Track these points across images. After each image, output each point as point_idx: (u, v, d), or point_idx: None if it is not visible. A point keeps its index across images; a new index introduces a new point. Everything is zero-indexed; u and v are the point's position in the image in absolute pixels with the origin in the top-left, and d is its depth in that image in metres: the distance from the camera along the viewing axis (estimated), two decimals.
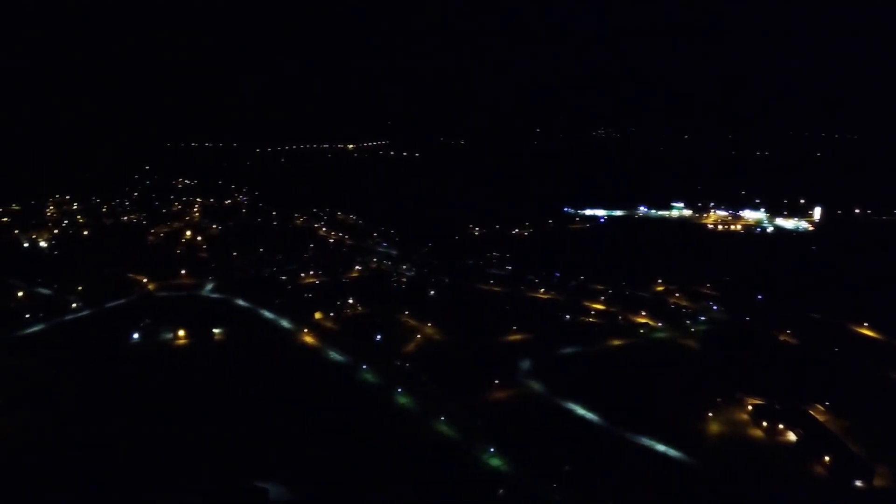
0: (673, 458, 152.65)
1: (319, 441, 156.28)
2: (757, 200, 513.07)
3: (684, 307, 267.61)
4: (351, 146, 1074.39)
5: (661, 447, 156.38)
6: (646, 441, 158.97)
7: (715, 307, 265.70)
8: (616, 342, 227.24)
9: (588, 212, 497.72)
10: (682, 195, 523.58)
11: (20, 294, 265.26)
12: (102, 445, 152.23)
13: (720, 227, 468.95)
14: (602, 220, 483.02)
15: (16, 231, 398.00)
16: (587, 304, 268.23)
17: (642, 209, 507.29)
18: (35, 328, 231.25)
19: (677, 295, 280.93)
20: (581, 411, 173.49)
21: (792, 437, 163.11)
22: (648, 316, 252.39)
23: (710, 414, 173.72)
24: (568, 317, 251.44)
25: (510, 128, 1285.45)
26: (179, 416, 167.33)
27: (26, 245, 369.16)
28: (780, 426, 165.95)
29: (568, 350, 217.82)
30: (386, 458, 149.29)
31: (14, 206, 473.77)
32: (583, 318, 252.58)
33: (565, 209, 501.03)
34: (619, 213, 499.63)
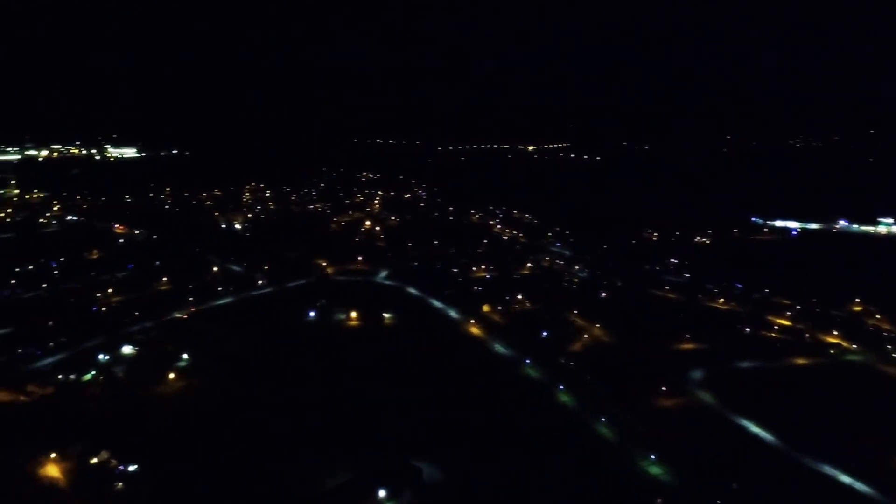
0: (860, 492, 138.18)
1: (476, 429, 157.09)
2: None
3: (886, 330, 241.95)
4: (531, 147, 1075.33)
5: (845, 478, 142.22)
6: (827, 469, 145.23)
7: None
8: (800, 361, 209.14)
9: (779, 223, 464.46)
10: (892, 210, 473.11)
11: (215, 269, 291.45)
12: (270, 413, 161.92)
13: None
14: (794, 233, 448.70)
15: (216, 213, 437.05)
16: (770, 318, 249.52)
17: (842, 223, 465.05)
18: (225, 300, 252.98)
19: (878, 317, 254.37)
20: (755, 429, 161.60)
21: None
22: (841, 336, 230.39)
23: None
24: (748, 330, 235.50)
25: (699, 132, 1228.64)
26: (343, 392, 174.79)
27: (223, 226, 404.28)
28: None
29: (745, 364, 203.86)
30: (541, 454, 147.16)
31: (216, 192, 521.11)
32: (764, 332, 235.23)
33: (753, 219, 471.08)
34: (814, 226, 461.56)
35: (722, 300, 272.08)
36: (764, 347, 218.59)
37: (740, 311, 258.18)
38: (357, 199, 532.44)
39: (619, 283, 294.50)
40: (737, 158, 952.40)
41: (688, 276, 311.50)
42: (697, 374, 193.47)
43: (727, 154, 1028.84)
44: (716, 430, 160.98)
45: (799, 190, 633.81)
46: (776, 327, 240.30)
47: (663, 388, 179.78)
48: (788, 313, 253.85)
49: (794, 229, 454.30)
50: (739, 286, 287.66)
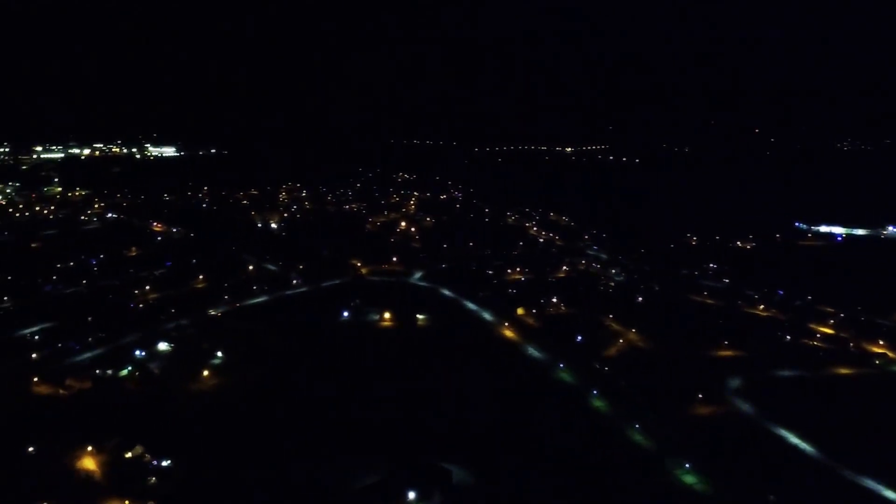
0: None
1: (508, 432, 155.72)
2: None
3: None
4: (569, 149, 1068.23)
5: (889, 493, 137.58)
6: (870, 483, 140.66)
7: None
8: (843, 370, 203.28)
9: (823, 228, 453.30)
10: None
11: (250, 268, 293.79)
12: (302, 412, 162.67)
13: None
14: (839, 239, 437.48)
15: (252, 213, 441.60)
16: (813, 326, 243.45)
17: (891, 229, 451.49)
18: (260, 299, 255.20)
19: None
20: (794, 440, 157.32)
21: None
22: (887, 346, 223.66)
23: None
24: (788, 338, 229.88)
25: (742, 133, 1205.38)
26: (374, 392, 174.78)
27: (260, 225, 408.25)
28: None
29: (785, 373, 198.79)
30: (572, 460, 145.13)
31: (253, 191, 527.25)
32: (806, 340, 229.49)
33: (797, 224, 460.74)
34: (861, 231, 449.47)
35: (762, 307, 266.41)
36: (805, 356, 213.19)
37: (781, 319, 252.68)
38: (393, 200, 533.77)
39: (657, 288, 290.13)
40: (781, 160, 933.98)
41: (727, 281, 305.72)
42: (735, 382, 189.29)
43: (771, 156, 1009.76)
44: (753, 440, 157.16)
45: (846, 194, 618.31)
46: (818, 335, 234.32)
47: (700, 396, 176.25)
48: (832, 321, 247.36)
49: (840, 235, 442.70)
50: (781, 293, 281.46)
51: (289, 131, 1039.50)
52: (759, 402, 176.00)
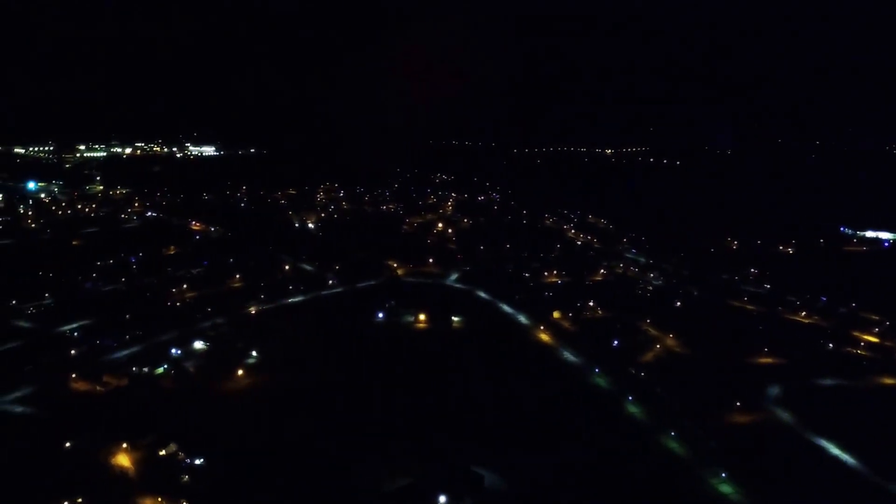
0: None
1: (541, 437, 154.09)
2: None
3: None
4: (609, 151, 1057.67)
5: None
6: None
7: None
8: (887, 380, 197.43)
9: (870, 233, 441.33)
10: None
11: (287, 268, 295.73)
12: (334, 413, 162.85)
13: None
14: (886, 244, 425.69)
15: (290, 212, 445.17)
16: (856, 334, 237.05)
17: None
18: (296, 299, 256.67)
19: None
20: (835, 451, 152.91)
21: None
22: None
23: None
24: (831, 345, 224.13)
25: (785, 134, 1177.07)
26: (408, 394, 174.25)
27: (297, 225, 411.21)
28: None
29: (826, 381, 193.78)
30: (606, 466, 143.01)
31: (291, 191, 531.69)
32: (849, 349, 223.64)
33: (842, 228, 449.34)
34: None
35: (804, 313, 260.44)
36: (848, 364, 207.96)
37: (824, 326, 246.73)
38: (430, 201, 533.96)
39: (695, 293, 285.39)
40: (826, 162, 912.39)
41: (768, 286, 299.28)
42: (775, 390, 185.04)
43: (816, 158, 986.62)
44: (792, 450, 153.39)
45: (894, 198, 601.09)
46: (862, 343, 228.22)
47: (738, 404, 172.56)
48: (876, 329, 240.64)
49: (887, 240, 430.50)
50: (824, 299, 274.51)
51: (328, 131, 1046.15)
52: (799, 412, 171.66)
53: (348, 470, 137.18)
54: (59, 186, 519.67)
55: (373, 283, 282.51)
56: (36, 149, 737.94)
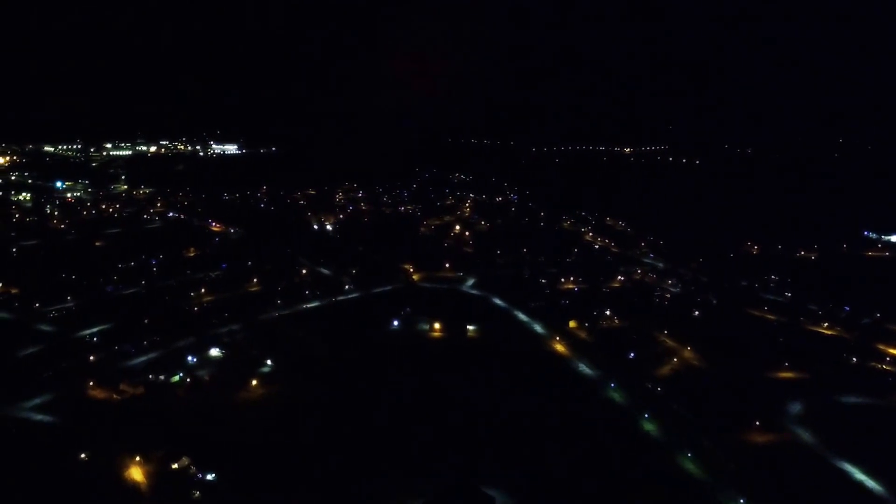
0: None
1: (554, 456, 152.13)
2: None
3: None
4: (628, 150, 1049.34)
5: None
6: None
7: None
8: None
9: (895, 238, 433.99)
10: None
11: (304, 272, 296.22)
12: (344, 429, 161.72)
13: None
14: None
15: (309, 213, 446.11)
16: (882, 347, 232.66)
17: None
18: (312, 304, 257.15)
19: None
20: (859, 475, 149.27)
21: None
22: None
23: None
24: (855, 359, 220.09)
25: (808, 135, 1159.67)
26: (419, 407, 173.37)
27: (315, 227, 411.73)
28: None
29: (850, 399, 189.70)
30: (620, 487, 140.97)
31: (310, 191, 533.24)
32: (874, 363, 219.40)
33: (866, 233, 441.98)
34: None
35: (827, 324, 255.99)
36: (873, 381, 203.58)
37: (847, 338, 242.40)
38: (448, 202, 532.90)
39: (714, 301, 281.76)
40: (849, 164, 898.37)
41: (789, 295, 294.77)
42: (796, 408, 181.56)
43: (839, 160, 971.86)
44: (814, 473, 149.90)
45: None
46: (888, 358, 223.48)
47: (757, 422, 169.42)
48: None
49: None
50: (847, 309, 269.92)
51: (348, 130, 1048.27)
52: (821, 431, 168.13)
53: (360, 487, 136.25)
54: (85, 185, 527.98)
55: (389, 288, 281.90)
56: (64, 147, 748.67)
